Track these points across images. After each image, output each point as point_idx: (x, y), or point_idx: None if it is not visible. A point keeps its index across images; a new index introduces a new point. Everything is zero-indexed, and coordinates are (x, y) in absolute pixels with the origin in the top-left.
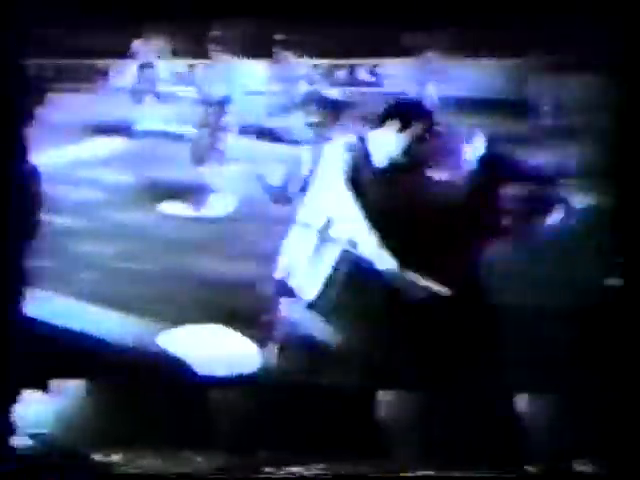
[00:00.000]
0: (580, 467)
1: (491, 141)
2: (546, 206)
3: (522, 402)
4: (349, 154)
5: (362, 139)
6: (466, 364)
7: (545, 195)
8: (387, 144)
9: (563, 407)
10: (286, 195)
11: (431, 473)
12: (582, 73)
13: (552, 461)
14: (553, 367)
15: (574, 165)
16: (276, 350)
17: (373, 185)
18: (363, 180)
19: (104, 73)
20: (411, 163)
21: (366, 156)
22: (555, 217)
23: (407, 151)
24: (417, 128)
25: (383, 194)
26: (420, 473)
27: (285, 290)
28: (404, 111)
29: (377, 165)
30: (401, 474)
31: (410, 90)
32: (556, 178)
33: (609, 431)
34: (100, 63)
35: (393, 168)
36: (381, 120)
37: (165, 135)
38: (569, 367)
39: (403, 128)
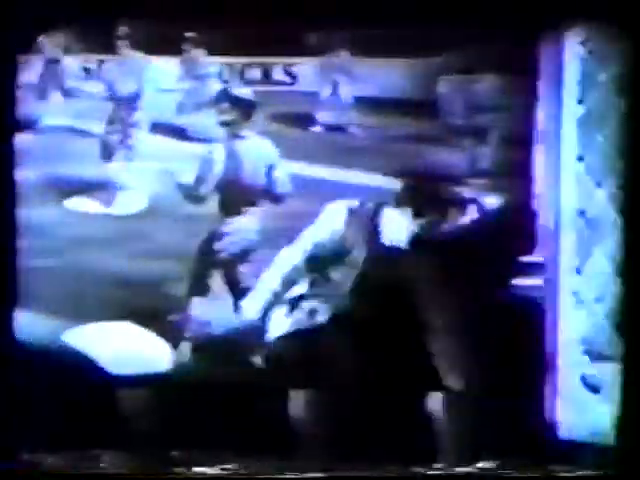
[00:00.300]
0: (485, 465)
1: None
2: (457, 206)
3: (433, 401)
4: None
5: (376, 212)
6: (375, 363)
7: (455, 195)
8: (399, 226)
9: (471, 406)
10: (198, 194)
11: (341, 474)
12: (490, 73)
13: (459, 460)
14: (461, 366)
15: (484, 165)
16: (188, 349)
17: (374, 261)
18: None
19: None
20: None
21: (375, 231)
22: (466, 217)
23: (416, 237)
24: (431, 217)
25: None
26: (329, 474)
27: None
28: (419, 199)
29: (385, 242)
30: (311, 474)
31: (323, 90)
32: (466, 178)
33: (513, 431)
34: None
35: (398, 249)
36: (398, 202)
37: (72, 131)
38: (476, 367)
39: (417, 216)
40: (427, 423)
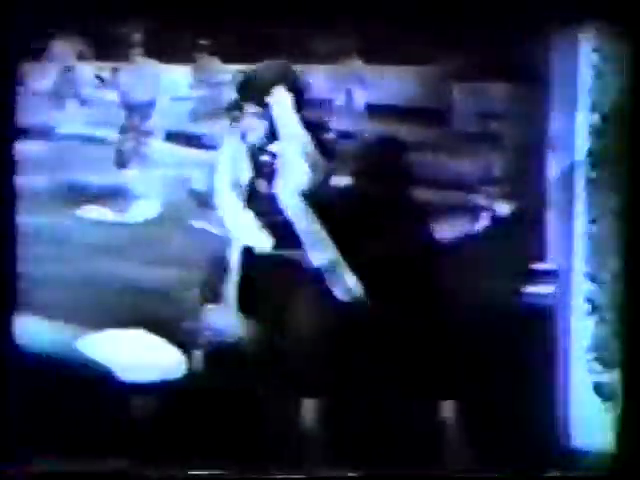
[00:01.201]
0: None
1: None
2: (469, 214)
3: (444, 408)
4: None
5: None
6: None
7: (467, 203)
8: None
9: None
10: (211, 201)
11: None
12: (503, 80)
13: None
14: (472, 375)
15: (496, 172)
16: (201, 357)
17: None
18: None
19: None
20: None
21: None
22: (478, 224)
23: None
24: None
25: None
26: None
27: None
28: None
29: None
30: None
31: (337, 97)
32: (478, 185)
33: (523, 440)
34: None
35: None
36: None
37: (87, 139)
38: (486, 375)
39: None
40: (435, 429)
